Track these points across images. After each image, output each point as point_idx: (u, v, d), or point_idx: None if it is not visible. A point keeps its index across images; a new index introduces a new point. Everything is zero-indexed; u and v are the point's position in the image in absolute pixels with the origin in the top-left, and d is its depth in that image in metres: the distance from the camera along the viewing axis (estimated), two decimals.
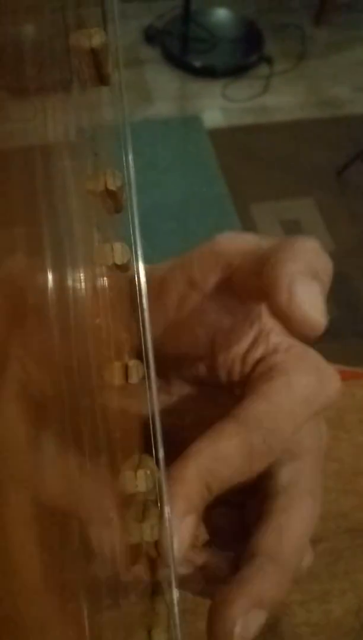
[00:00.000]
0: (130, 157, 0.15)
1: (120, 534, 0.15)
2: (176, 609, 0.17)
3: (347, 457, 0.37)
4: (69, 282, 0.14)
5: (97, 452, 0.15)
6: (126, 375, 0.18)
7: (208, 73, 1.71)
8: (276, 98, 1.69)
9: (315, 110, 1.68)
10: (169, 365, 0.22)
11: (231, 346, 0.21)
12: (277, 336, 0.21)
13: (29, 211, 0.12)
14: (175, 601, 0.17)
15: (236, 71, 1.72)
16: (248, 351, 0.21)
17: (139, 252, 0.17)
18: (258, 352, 0.21)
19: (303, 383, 0.19)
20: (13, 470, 0.10)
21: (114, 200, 0.17)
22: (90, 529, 0.13)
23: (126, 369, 0.19)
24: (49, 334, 0.12)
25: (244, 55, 1.74)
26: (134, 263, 0.17)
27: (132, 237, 0.17)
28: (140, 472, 0.17)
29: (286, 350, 0.21)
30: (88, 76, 0.16)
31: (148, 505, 0.18)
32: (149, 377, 0.18)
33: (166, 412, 0.23)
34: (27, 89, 0.12)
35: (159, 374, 0.22)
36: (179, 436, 0.22)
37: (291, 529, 0.18)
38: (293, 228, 1.38)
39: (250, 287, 0.19)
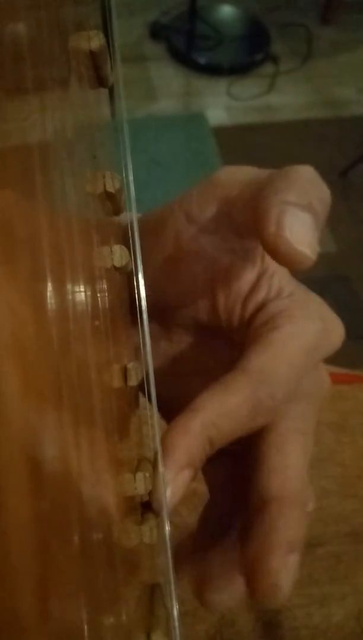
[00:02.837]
0: (129, 163, 0.15)
1: (113, 490, 0.15)
2: (175, 611, 0.17)
3: (349, 460, 0.37)
4: (68, 285, 0.14)
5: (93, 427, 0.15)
6: (125, 378, 0.18)
7: (213, 70, 1.71)
8: (281, 97, 1.68)
9: (319, 110, 1.67)
10: (169, 310, 0.22)
11: (231, 286, 0.21)
12: (280, 279, 0.21)
13: (27, 213, 0.12)
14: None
15: (241, 69, 1.71)
16: (250, 293, 0.21)
17: (138, 253, 0.17)
18: (260, 295, 0.20)
19: (309, 333, 0.19)
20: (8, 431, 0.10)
21: (113, 203, 0.17)
22: (82, 486, 0.13)
23: (124, 371, 0.18)
24: (48, 338, 0.12)
25: (249, 53, 1.74)
26: (133, 266, 0.17)
27: (130, 240, 0.17)
28: (139, 475, 0.17)
29: (289, 295, 0.20)
30: (87, 78, 0.15)
31: (148, 508, 0.18)
32: (148, 381, 0.18)
33: (165, 360, 0.23)
34: (25, 89, 0.12)
35: (159, 321, 0.22)
36: (178, 384, 0.22)
37: (291, 467, 0.18)
38: None
39: (247, 219, 0.19)
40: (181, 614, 0.17)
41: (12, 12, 0.12)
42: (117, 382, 0.18)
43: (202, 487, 0.22)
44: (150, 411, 0.19)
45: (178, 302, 0.21)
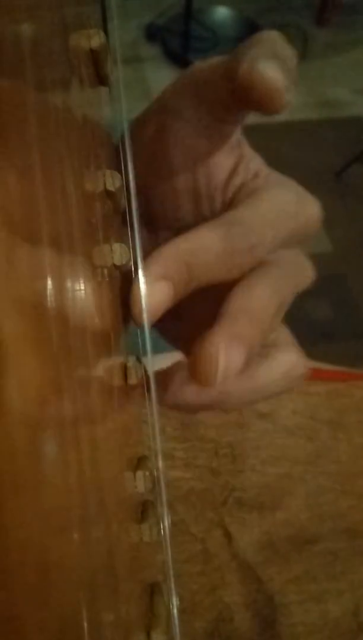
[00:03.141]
0: (130, 162, 0.15)
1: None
2: (175, 610, 0.17)
3: (346, 458, 0.37)
4: (68, 283, 0.14)
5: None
6: (125, 376, 0.19)
7: None
8: None
9: (314, 111, 1.67)
10: (155, 211, 0.22)
11: (212, 172, 0.21)
12: (257, 165, 0.22)
13: (27, 211, 0.12)
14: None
15: None
16: (229, 178, 0.21)
17: (139, 252, 0.17)
18: (238, 179, 0.21)
19: (284, 199, 0.20)
20: None
21: (113, 201, 0.17)
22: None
23: (124, 369, 0.19)
24: (48, 334, 0.12)
25: None
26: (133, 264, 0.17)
27: (130, 239, 0.17)
28: (139, 474, 0.17)
29: (266, 176, 0.21)
30: (87, 76, 0.16)
31: (147, 506, 0.18)
32: (148, 378, 0.18)
33: None
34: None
35: (148, 228, 0.23)
36: None
37: (257, 289, 0.19)
38: None
39: (223, 95, 0.19)
40: (179, 611, 0.17)
41: (14, 12, 0.12)
42: (117, 381, 0.18)
43: (199, 485, 0.22)
44: (150, 410, 0.19)
45: (163, 199, 0.22)
